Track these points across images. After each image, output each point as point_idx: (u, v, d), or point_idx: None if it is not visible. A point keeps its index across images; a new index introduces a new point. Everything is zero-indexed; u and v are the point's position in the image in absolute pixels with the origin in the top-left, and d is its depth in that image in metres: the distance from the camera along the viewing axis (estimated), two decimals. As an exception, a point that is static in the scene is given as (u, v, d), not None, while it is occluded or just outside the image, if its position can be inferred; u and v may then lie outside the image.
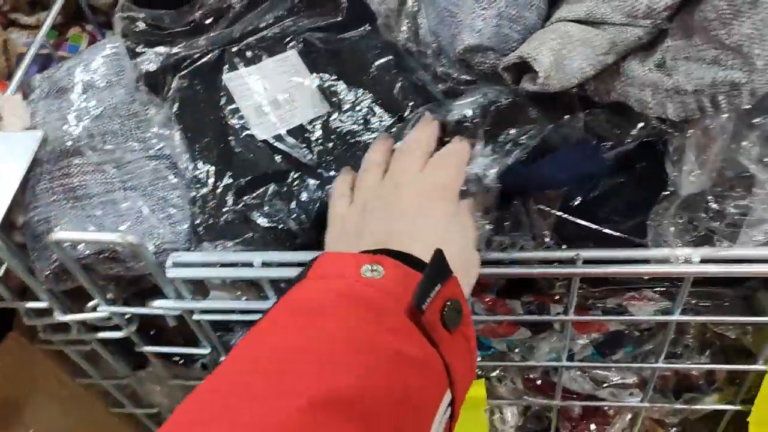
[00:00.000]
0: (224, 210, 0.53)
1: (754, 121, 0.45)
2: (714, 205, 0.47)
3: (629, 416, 0.66)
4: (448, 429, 0.36)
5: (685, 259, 0.45)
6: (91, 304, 0.58)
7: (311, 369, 0.31)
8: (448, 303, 0.35)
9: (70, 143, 0.57)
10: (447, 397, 0.35)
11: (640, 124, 0.49)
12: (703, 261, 0.45)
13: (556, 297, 0.52)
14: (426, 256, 0.36)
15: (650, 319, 0.52)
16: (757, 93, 0.41)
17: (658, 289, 0.51)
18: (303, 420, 0.28)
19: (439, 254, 0.36)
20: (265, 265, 0.51)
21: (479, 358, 0.61)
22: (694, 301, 0.52)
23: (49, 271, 0.53)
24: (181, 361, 0.68)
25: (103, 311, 0.57)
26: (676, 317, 0.50)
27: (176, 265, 0.51)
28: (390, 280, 0.35)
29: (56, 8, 0.70)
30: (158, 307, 0.55)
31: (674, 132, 0.47)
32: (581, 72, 0.46)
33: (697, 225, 0.47)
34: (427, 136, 0.46)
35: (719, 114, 0.44)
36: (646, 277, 0.50)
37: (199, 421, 0.30)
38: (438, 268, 0.35)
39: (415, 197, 0.41)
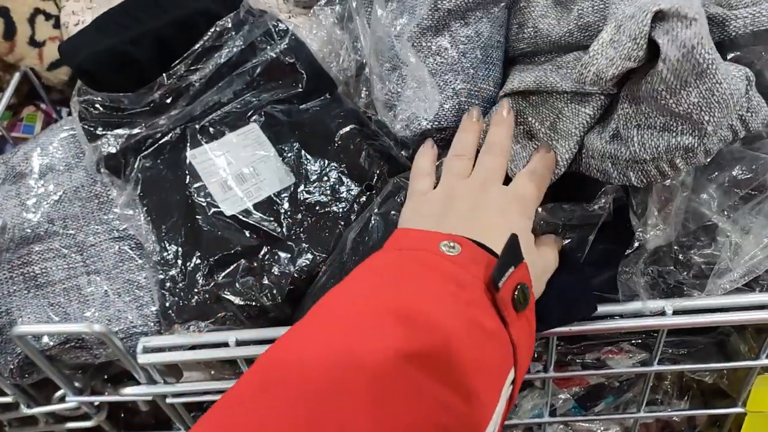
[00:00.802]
0: (195, 291, 0.51)
1: (710, 176, 0.46)
2: (680, 257, 0.48)
3: (615, 466, 0.65)
4: (507, 410, 0.37)
5: (657, 312, 0.46)
6: (58, 394, 0.56)
7: (398, 323, 0.32)
8: (519, 286, 0.37)
9: (29, 230, 0.56)
10: (511, 375, 0.36)
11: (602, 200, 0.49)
12: (676, 312, 0.46)
13: (535, 355, 0.52)
14: (500, 250, 0.38)
15: (629, 371, 0.52)
16: (711, 151, 0.42)
17: (635, 341, 0.51)
18: (392, 372, 0.30)
19: (514, 239, 0.37)
20: (240, 343, 0.49)
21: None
22: (670, 350, 0.53)
23: (13, 366, 0.51)
24: (154, 446, 0.66)
25: (71, 401, 0.55)
26: (654, 368, 0.50)
27: (147, 350, 0.50)
28: (466, 258, 0.37)
29: (9, 91, 0.69)
30: (129, 394, 0.53)
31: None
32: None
33: (666, 277, 0.48)
34: (507, 137, 0.48)
35: (679, 175, 0.45)
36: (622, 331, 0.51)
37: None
38: (513, 252, 0.37)
39: (500, 205, 0.44)
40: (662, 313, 0.46)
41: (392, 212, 0.46)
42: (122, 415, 0.67)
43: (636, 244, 0.48)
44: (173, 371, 0.57)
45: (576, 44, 0.49)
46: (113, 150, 0.55)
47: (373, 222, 0.47)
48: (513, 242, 0.37)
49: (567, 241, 0.48)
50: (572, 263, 0.47)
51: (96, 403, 0.58)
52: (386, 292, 0.35)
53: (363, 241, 0.46)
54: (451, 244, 0.38)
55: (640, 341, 0.52)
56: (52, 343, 0.51)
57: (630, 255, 0.49)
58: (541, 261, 0.44)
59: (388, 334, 0.32)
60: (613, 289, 0.49)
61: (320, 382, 0.30)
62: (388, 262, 0.38)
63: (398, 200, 0.49)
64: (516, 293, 0.36)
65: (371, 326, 0.32)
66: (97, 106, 0.55)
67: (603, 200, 0.47)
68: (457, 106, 0.50)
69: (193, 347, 0.50)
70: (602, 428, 0.61)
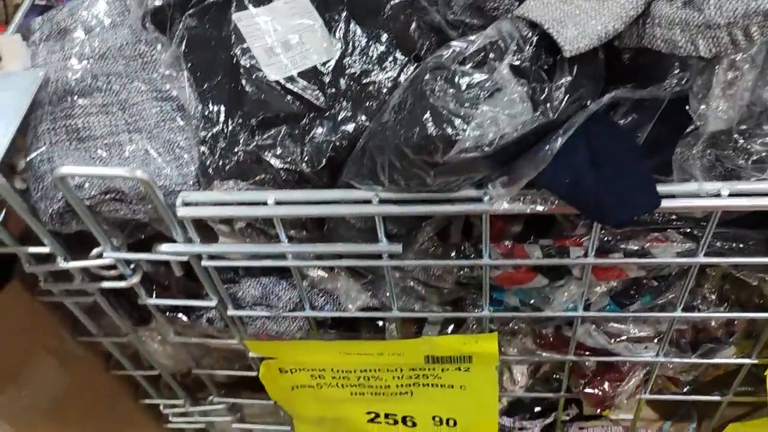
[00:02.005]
0: (235, 150, 0.51)
1: (787, 49, 0.43)
2: (741, 142, 0.46)
3: (643, 372, 0.64)
4: None
5: (713, 193, 0.44)
6: (95, 251, 0.56)
7: None
8: None
9: (73, 82, 0.55)
10: None
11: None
12: (732, 195, 0.44)
13: (577, 240, 0.51)
14: None
15: (673, 261, 0.51)
16: (792, 21, 0.40)
17: (683, 229, 0.50)
18: None
19: None
20: (278, 203, 0.49)
21: (491, 311, 0.60)
22: (718, 244, 0.51)
23: (53, 210, 0.51)
24: (185, 318, 0.67)
25: (109, 257, 0.55)
26: (700, 259, 0.49)
27: (186, 204, 0.50)
28: None
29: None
30: (166, 251, 0.53)
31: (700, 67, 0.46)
32: (606, 34, 0.44)
33: (724, 161, 0.46)
34: None
35: (752, 46, 0.43)
36: (673, 217, 0.49)
37: None
38: None
39: None
40: (717, 195, 0.44)
41: (438, 77, 0.44)
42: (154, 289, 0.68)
43: (694, 127, 0.47)
44: (209, 240, 0.57)
45: None
46: (159, 3, 0.54)
47: (417, 81, 0.45)
48: None
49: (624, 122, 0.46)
50: (635, 154, 0.45)
51: (131, 266, 0.58)
52: None
53: (404, 100, 0.45)
54: None
55: (688, 230, 0.50)
56: (93, 192, 0.51)
57: (688, 137, 0.47)
58: None
59: None
60: (667, 173, 0.47)
61: None
62: None
63: (447, 73, 0.46)
64: None
65: None
66: (145, -42, 0.54)
67: (673, 79, 0.45)
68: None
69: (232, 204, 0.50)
70: (636, 330, 0.60)
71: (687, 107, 0.46)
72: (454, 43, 0.46)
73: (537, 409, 0.76)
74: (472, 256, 0.54)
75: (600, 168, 0.42)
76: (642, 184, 0.43)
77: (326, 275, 0.58)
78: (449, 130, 0.40)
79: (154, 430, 0.86)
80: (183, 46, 0.54)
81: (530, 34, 0.44)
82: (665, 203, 0.45)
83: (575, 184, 0.42)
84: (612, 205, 0.42)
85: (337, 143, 0.51)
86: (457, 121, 0.40)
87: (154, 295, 0.62)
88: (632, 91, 0.45)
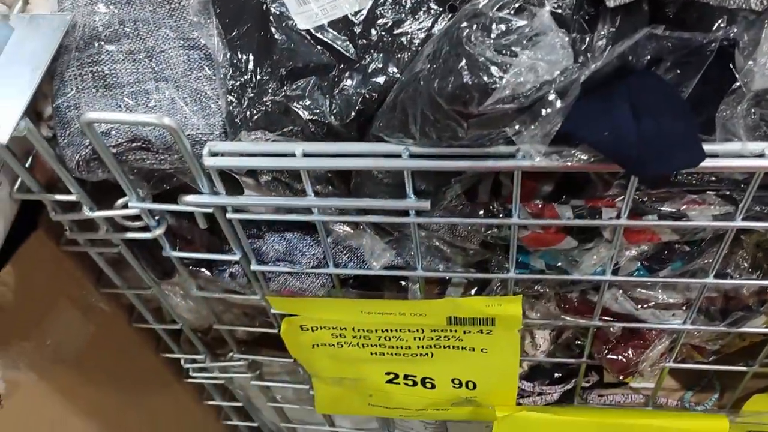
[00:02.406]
0: (264, 99, 0.50)
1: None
2: (788, 102, 0.44)
3: (669, 340, 0.64)
4: None
5: (757, 153, 0.43)
6: (120, 201, 0.56)
7: None
8: None
9: (100, 28, 0.54)
10: None
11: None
12: (776, 156, 0.43)
13: (610, 201, 0.50)
14: None
15: (710, 224, 0.49)
16: None
17: (721, 191, 0.48)
18: None
19: None
20: (306, 155, 0.48)
21: (516, 274, 0.59)
22: (757, 208, 0.49)
23: (79, 157, 0.51)
24: (207, 272, 0.66)
25: (134, 207, 0.55)
26: (738, 223, 0.47)
27: (213, 154, 0.49)
28: None
29: None
30: (191, 202, 0.53)
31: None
32: None
33: (770, 121, 0.45)
34: None
35: (807, -2, 0.41)
36: (712, 178, 0.48)
37: None
38: None
39: None
40: (761, 156, 0.43)
41: (475, 24, 0.43)
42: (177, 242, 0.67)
43: (744, 81, 0.45)
44: (234, 193, 0.56)
45: None
46: (189, -53, 0.53)
47: (453, 28, 0.43)
48: None
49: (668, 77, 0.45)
50: (679, 108, 0.44)
51: (156, 217, 0.58)
52: None
53: (439, 49, 0.43)
54: None
55: (726, 193, 0.49)
56: (120, 140, 0.50)
57: (732, 95, 0.45)
58: None
59: None
60: (709, 131, 0.45)
61: None
62: None
63: (484, 20, 0.45)
64: None
65: None
66: None
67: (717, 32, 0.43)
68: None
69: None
70: (664, 296, 0.59)
71: (731, 64, 0.45)
72: (492, -9, 0.44)
73: (557, 374, 0.75)
74: (501, 215, 0.53)
75: (642, 120, 0.40)
76: (686, 138, 0.42)
77: (351, 231, 0.57)
78: (486, 79, 0.39)
79: (174, 384, 0.87)
80: (212, -8, 0.53)
81: (572, -19, 0.43)
82: (707, 162, 0.43)
83: (615, 136, 0.40)
84: (653, 158, 0.40)
85: (367, 96, 0.50)
86: (494, 69, 0.39)
87: (177, 248, 0.62)
88: (671, 32, 0.43)
